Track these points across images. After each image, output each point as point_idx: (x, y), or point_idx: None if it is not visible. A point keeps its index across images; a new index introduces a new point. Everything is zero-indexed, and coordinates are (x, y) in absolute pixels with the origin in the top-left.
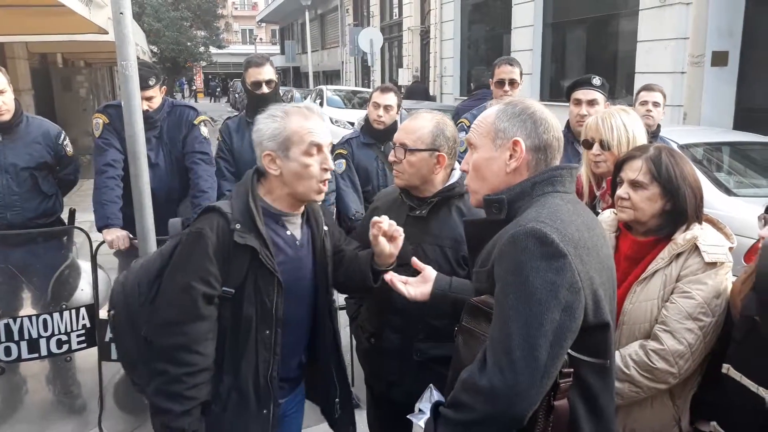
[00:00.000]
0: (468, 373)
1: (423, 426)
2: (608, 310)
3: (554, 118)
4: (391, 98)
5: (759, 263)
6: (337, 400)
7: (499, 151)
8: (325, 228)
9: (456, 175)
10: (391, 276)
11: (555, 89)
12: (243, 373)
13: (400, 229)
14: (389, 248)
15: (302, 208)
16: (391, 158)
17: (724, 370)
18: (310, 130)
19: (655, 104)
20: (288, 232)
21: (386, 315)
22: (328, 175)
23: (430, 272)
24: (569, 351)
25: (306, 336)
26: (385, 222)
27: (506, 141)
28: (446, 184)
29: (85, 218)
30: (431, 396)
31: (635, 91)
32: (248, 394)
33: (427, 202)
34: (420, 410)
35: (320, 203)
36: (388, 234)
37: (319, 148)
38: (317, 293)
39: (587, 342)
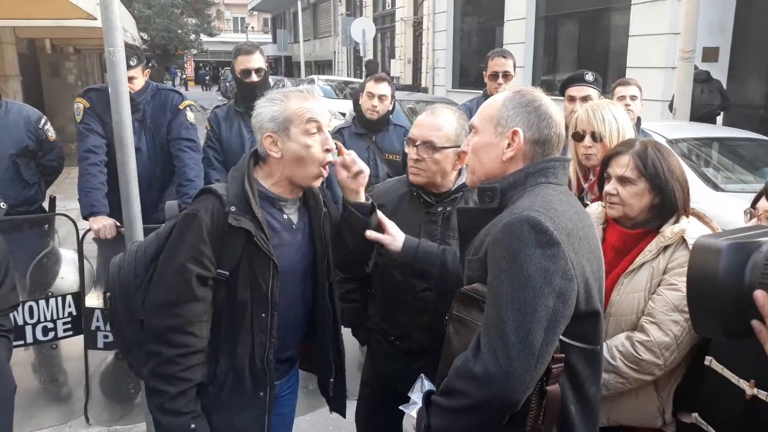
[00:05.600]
0: (462, 359)
1: (415, 415)
2: (598, 299)
3: (559, 114)
4: (384, 88)
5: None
6: (331, 380)
7: (499, 138)
8: (325, 209)
9: None
10: (369, 233)
11: (547, 82)
12: (239, 355)
13: (365, 168)
14: (350, 182)
15: (300, 193)
16: (413, 156)
17: (706, 363)
18: (309, 109)
19: (633, 97)
20: (284, 216)
21: (414, 315)
22: (331, 157)
23: (396, 233)
24: (561, 337)
25: (304, 318)
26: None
27: (506, 129)
28: (461, 179)
29: (73, 206)
30: (422, 386)
31: (611, 87)
32: (244, 377)
33: (450, 198)
34: (412, 400)
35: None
36: (347, 166)
37: (319, 126)
38: (316, 276)
39: (577, 329)
